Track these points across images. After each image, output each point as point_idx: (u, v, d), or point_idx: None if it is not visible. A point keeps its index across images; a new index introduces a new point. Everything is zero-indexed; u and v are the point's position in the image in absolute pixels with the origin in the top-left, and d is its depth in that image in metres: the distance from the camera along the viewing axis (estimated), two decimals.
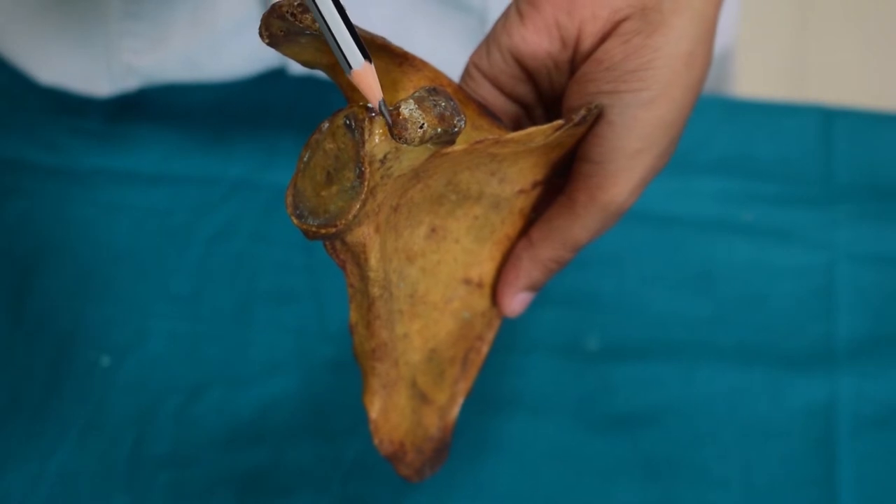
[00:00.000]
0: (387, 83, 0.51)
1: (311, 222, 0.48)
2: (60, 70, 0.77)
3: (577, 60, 0.54)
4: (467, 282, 0.57)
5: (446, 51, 0.73)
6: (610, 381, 0.73)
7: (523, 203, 0.56)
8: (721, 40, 0.85)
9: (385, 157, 0.48)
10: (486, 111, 0.53)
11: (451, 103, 0.48)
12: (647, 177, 0.55)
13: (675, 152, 0.78)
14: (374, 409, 0.55)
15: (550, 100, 0.56)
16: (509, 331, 0.74)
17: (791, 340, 0.74)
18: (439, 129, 0.47)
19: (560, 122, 0.53)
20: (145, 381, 0.73)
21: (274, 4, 0.48)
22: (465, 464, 0.71)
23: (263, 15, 0.49)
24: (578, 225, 0.55)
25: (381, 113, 0.48)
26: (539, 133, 0.52)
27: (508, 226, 0.56)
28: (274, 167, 0.78)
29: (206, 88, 0.78)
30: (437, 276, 0.55)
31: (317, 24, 0.47)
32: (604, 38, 0.53)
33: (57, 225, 0.76)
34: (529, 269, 0.57)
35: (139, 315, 0.74)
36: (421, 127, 0.47)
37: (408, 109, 0.47)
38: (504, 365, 0.73)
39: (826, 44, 1.73)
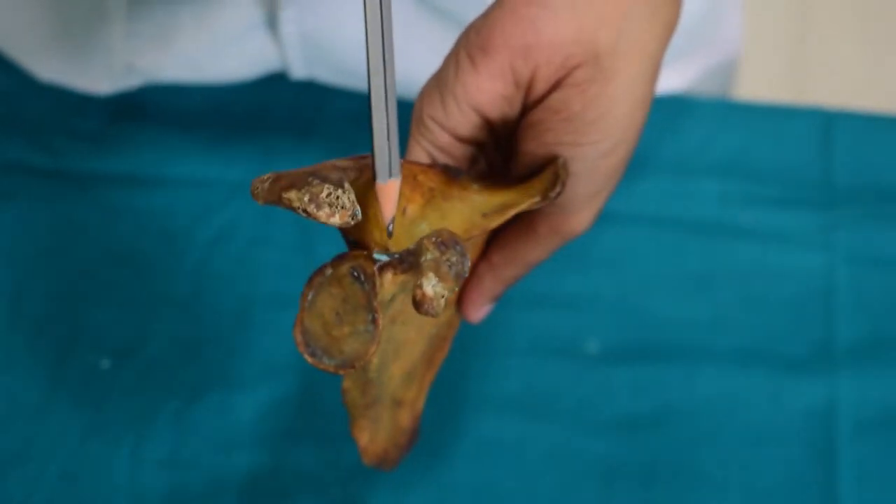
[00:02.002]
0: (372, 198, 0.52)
1: (327, 362, 0.49)
2: (61, 68, 0.77)
3: (529, 101, 0.54)
4: None
5: None
6: (609, 384, 0.73)
7: (485, 234, 0.57)
8: (728, 52, 0.85)
9: (393, 296, 0.50)
10: (450, 173, 0.54)
11: (459, 249, 0.49)
12: (604, 204, 0.57)
13: (676, 154, 0.79)
14: (364, 438, 0.58)
15: (502, 134, 0.56)
16: (508, 334, 0.74)
17: (791, 343, 0.74)
18: (456, 288, 0.49)
19: (538, 199, 0.53)
20: (145, 383, 0.73)
21: (283, 194, 0.48)
22: (464, 466, 0.71)
23: (266, 190, 0.49)
24: (539, 251, 0.58)
25: (388, 230, 0.49)
26: (518, 210, 0.53)
27: (472, 254, 0.57)
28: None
29: (205, 91, 0.78)
30: (413, 320, 0.56)
31: (332, 220, 0.48)
32: (557, 83, 0.53)
33: (57, 228, 0.76)
34: (492, 286, 0.59)
35: (139, 318, 0.74)
36: (443, 297, 0.48)
37: (430, 287, 0.48)
38: (503, 367, 0.73)
39: (827, 47, 1.73)
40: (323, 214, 0.48)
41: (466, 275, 0.49)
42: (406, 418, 0.59)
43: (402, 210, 0.52)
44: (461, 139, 0.55)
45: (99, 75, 0.77)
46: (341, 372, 0.49)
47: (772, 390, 0.73)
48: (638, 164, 0.77)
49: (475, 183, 0.54)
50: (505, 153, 0.57)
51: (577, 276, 0.75)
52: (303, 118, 0.79)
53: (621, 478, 0.71)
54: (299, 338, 0.49)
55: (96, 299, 0.75)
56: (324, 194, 0.48)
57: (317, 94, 0.79)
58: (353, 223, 0.48)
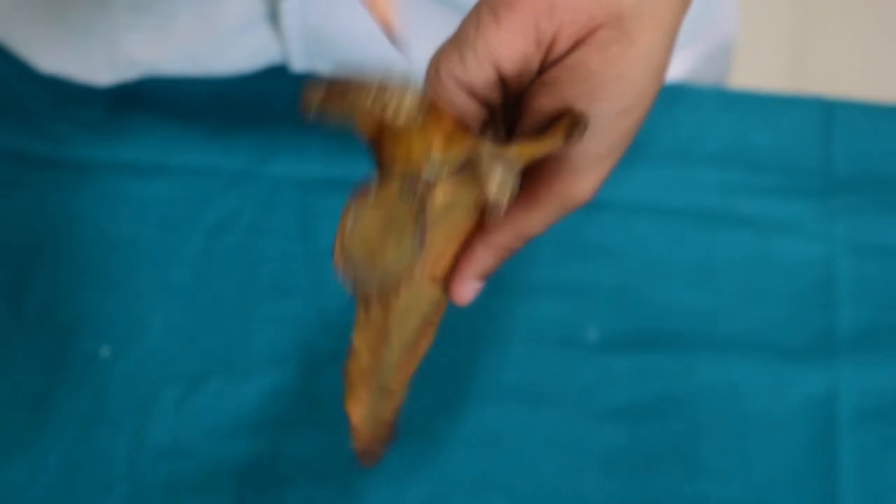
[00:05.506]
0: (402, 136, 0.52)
1: (368, 285, 0.49)
2: (62, 60, 0.77)
3: (547, 61, 0.54)
4: (433, 280, 0.57)
5: None
6: (609, 373, 0.73)
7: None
8: (722, 36, 0.85)
9: (449, 206, 0.50)
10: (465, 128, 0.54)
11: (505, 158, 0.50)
12: (608, 173, 0.56)
13: (675, 143, 0.79)
14: (357, 415, 0.57)
15: (513, 96, 0.56)
16: (508, 323, 0.74)
17: (791, 332, 0.74)
18: (517, 183, 0.50)
19: (560, 141, 0.53)
20: (145, 372, 0.73)
21: (345, 96, 0.48)
22: (465, 455, 0.71)
23: (323, 96, 0.49)
24: (536, 218, 0.56)
25: (393, 42, 0.49)
26: (541, 154, 0.53)
27: (471, 221, 0.57)
28: (274, 159, 0.78)
29: (206, 81, 0.78)
30: (416, 286, 0.56)
31: (398, 118, 0.49)
32: (577, 44, 0.53)
33: (57, 216, 0.76)
34: (482, 256, 0.57)
35: (139, 306, 0.74)
36: (509, 184, 0.50)
37: (499, 172, 0.50)
38: (503, 356, 0.73)
39: (825, 35, 1.73)
40: (389, 113, 0.48)
41: (518, 179, 0.49)
42: (388, 411, 0.59)
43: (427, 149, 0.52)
44: (476, 97, 0.55)
45: (100, 68, 0.77)
46: (384, 294, 0.49)
47: (772, 379, 0.73)
48: (637, 152, 0.77)
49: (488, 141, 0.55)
50: (511, 118, 0.57)
51: (577, 264, 0.75)
52: None
53: (622, 466, 0.72)
54: (340, 262, 0.49)
55: (96, 287, 0.75)
56: (387, 95, 0.49)
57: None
58: (419, 121, 0.49)
